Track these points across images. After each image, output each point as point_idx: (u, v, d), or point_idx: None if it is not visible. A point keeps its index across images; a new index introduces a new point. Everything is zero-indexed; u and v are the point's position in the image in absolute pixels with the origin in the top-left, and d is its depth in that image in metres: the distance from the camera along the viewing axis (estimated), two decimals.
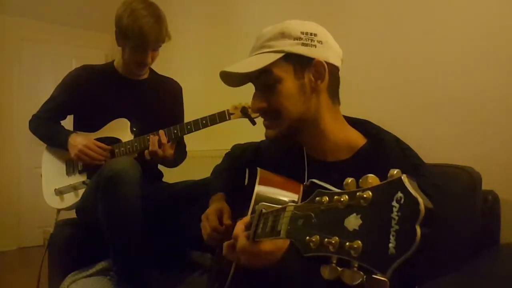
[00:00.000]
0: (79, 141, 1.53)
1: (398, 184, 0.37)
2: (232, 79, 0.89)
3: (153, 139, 1.46)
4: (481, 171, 1.09)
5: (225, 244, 0.73)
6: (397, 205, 0.36)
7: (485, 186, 1.08)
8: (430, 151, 0.97)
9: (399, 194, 0.36)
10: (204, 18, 2.92)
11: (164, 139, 1.46)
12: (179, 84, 1.80)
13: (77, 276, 1.41)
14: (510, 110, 1.26)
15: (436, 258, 0.62)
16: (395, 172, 0.39)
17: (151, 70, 1.74)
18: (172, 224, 1.51)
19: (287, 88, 0.82)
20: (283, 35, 0.82)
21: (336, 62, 0.85)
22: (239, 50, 2.34)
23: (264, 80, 0.84)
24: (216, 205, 1.03)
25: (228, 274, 0.80)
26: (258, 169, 0.89)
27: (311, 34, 0.82)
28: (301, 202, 0.79)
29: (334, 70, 0.85)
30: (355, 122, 0.89)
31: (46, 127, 1.66)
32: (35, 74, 3.96)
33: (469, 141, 1.35)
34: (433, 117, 1.46)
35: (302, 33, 0.82)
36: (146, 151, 1.47)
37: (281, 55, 0.81)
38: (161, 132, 1.48)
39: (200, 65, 2.88)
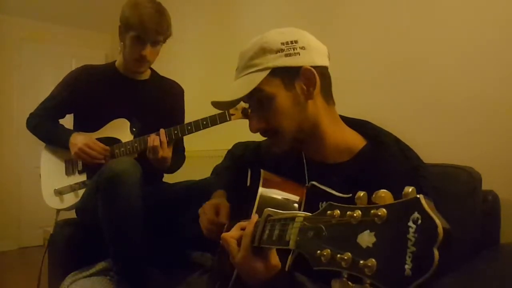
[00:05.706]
0: (80, 139, 1.53)
1: (414, 204, 0.37)
2: (225, 104, 0.89)
3: (153, 136, 1.47)
4: (481, 171, 1.09)
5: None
6: (413, 226, 0.36)
7: (485, 186, 1.08)
8: (430, 151, 0.97)
9: (416, 215, 0.36)
10: (204, 18, 2.92)
11: (163, 138, 1.46)
12: (181, 86, 1.79)
13: (77, 276, 1.40)
14: (510, 110, 1.26)
15: None
16: (410, 190, 0.38)
17: (153, 71, 1.73)
18: (172, 224, 1.51)
19: (281, 102, 0.81)
20: (264, 51, 0.80)
21: (323, 61, 0.83)
22: (239, 50, 2.34)
23: (257, 98, 0.83)
24: (215, 200, 1.03)
25: (230, 274, 0.80)
26: (262, 170, 0.89)
27: (291, 42, 0.80)
28: (305, 205, 0.80)
29: (323, 71, 0.83)
30: (354, 123, 0.89)
31: (47, 126, 1.65)
32: (35, 74, 3.96)
33: (469, 141, 1.35)
34: (433, 117, 1.46)
35: (283, 43, 0.80)
36: (148, 148, 1.47)
37: (267, 72, 0.80)
38: (161, 130, 1.48)
39: (200, 65, 2.88)
